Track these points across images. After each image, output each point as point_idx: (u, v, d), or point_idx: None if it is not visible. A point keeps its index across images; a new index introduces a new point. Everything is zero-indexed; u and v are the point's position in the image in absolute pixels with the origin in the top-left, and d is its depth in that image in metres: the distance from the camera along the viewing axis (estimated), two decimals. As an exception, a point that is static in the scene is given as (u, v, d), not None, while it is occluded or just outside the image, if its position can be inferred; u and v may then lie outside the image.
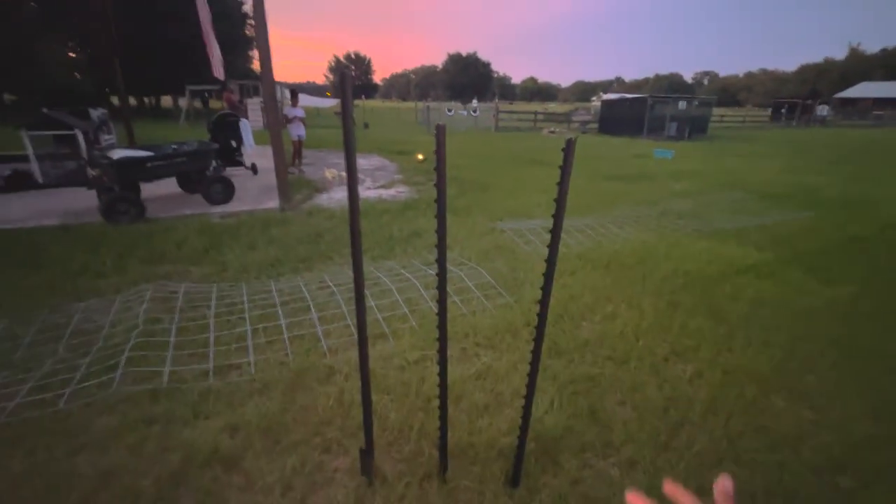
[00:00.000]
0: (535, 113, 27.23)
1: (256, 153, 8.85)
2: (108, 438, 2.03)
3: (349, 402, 2.27)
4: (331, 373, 2.53)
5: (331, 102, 29.58)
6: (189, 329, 2.92)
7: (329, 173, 8.72)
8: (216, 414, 2.20)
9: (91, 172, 5.29)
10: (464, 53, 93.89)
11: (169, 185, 6.52)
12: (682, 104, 21.06)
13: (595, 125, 24.13)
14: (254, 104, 19.21)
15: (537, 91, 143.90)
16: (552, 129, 23.22)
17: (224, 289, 3.57)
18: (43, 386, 2.33)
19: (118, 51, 9.01)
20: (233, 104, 9.68)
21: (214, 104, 29.82)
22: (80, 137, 6.64)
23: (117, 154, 5.26)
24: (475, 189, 7.65)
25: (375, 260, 4.37)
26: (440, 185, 1.38)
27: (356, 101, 53.50)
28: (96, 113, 7.97)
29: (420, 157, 10.80)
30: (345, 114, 1.23)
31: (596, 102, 39.91)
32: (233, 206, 6.16)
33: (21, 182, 6.69)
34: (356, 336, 2.81)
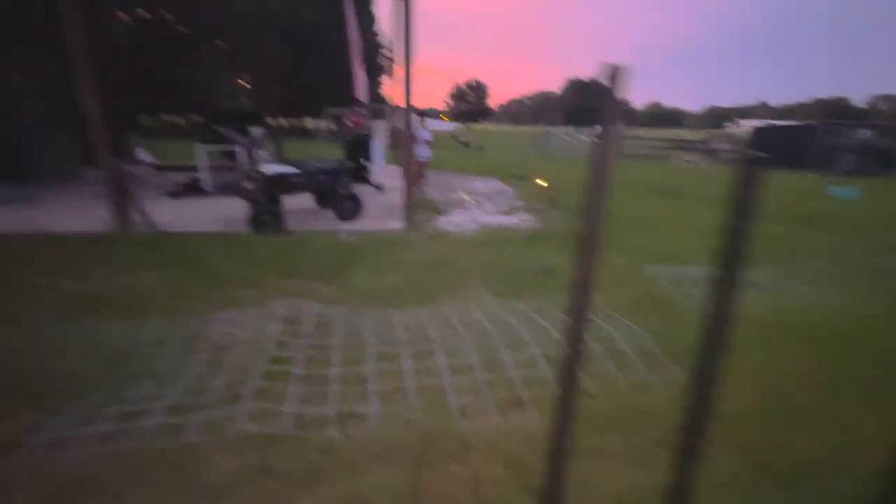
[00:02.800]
0: (670, 140, 24.82)
1: (380, 172, 9.17)
2: (222, 489, 1.81)
3: (489, 500, 1.78)
4: (465, 446, 2.07)
5: (447, 126, 30.64)
6: (314, 361, 2.72)
7: (461, 195, 8.86)
8: (337, 480, 1.87)
9: (246, 184, 5.78)
10: (584, 79, 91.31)
11: (303, 198, 6.91)
12: (863, 132, 17.31)
13: (738, 155, 21.08)
14: (379, 127, 20.64)
15: (663, 117, 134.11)
16: (687, 157, 20.85)
17: (348, 315, 3.39)
18: (174, 407, 2.27)
19: (276, 78, 10.19)
20: (346, 125, 10.28)
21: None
22: (241, 152, 7.45)
23: (270, 169, 5.65)
24: (606, 221, 6.81)
25: (501, 297, 3.90)
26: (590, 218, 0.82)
27: (470, 125, 55.24)
28: (257, 131, 8.99)
29: (542, 182, 10.23)
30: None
31: (733, 129, 35.29)
32: (359, 224, 6.26)
33: (194, 189, 7.88)
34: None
